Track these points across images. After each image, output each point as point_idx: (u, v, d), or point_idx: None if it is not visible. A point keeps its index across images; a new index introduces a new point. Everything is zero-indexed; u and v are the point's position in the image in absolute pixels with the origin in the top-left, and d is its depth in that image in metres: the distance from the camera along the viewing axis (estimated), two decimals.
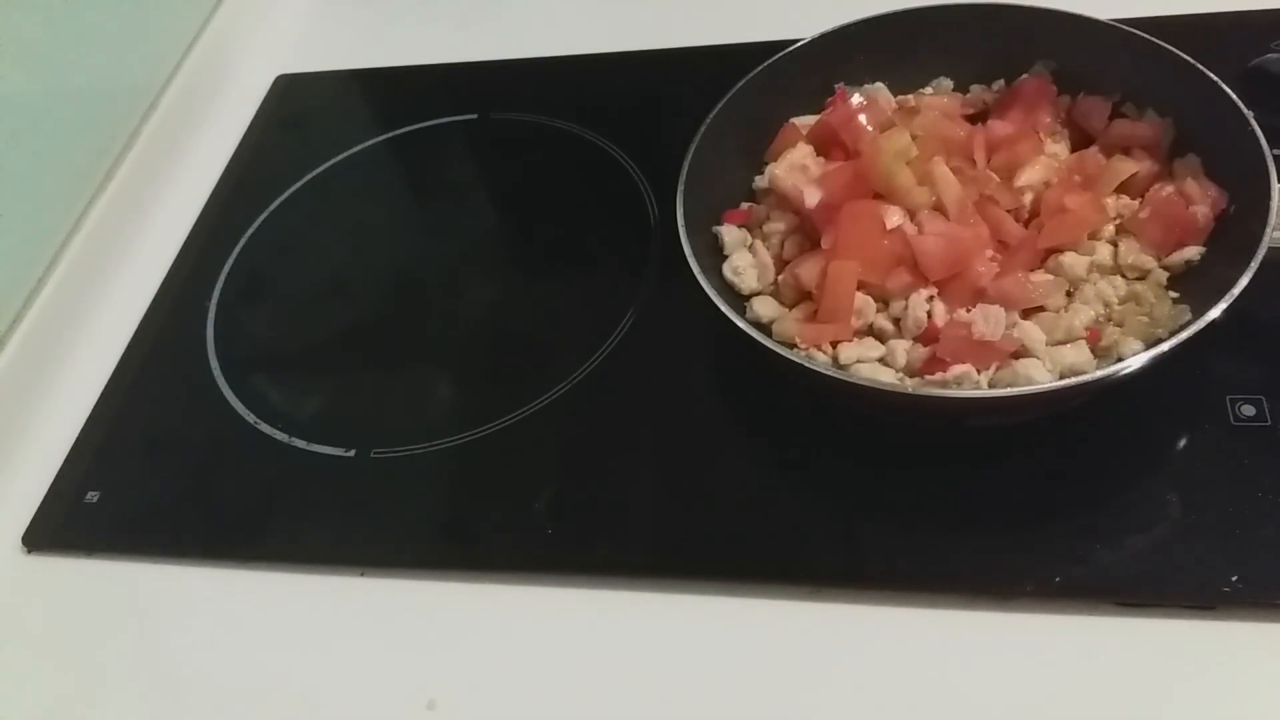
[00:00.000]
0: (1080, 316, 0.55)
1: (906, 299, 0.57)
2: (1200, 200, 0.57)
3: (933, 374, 0.54)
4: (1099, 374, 0.50)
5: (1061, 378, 0.53)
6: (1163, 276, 0.57)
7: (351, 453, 0.65)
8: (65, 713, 0.58)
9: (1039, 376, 0.53)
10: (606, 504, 0.60)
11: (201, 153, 0.88)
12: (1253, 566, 0.50)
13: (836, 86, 0.68)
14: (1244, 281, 0.50)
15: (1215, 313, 0.50)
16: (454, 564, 0.59)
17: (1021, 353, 0.55)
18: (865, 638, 0.52)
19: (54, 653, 0.60)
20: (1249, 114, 0.56)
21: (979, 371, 0.54)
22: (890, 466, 0.57)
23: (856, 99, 0.64)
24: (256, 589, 0.60)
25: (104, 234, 0.80)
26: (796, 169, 0.63)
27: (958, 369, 0.54)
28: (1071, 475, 0.55)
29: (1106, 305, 0.56)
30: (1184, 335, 0.49)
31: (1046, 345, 0.55)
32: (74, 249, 0.78)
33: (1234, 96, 0.56)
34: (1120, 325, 0.55)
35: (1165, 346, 0.49)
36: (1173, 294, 0.56)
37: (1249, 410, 0.55)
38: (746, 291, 0.61)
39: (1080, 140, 0.63)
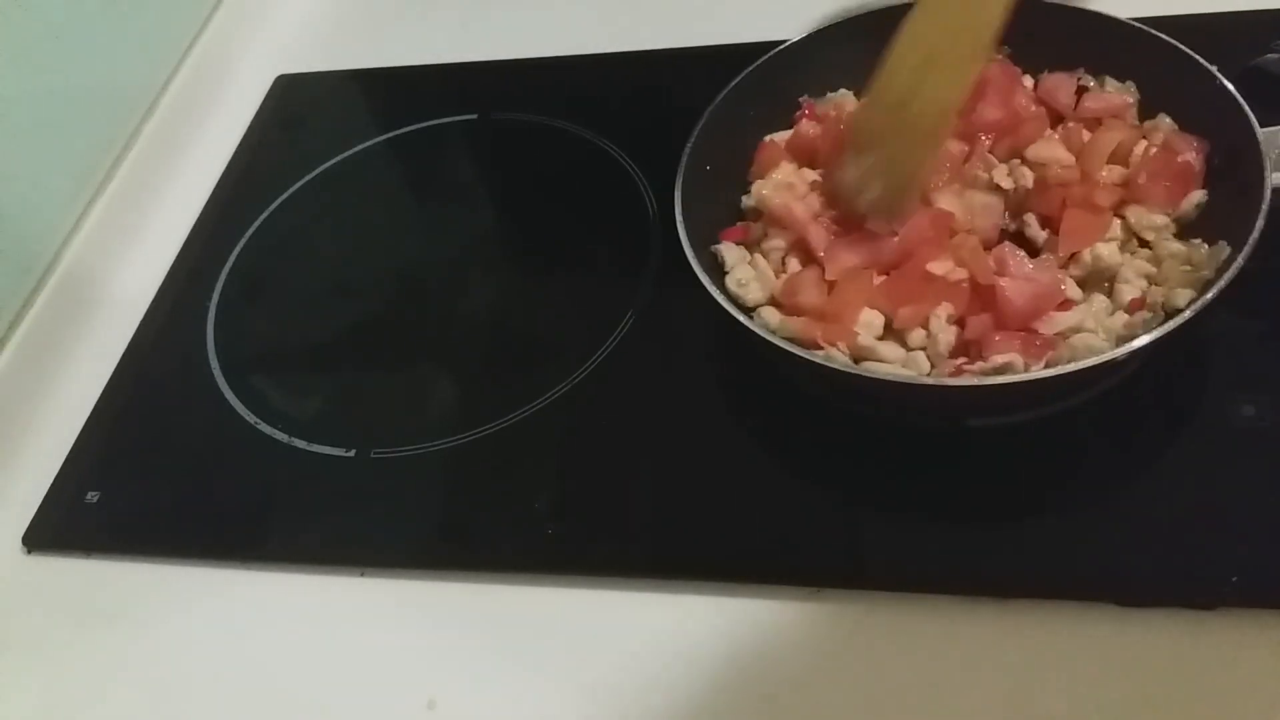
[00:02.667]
0: (1127, 295, 0.55)
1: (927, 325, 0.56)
2: (1185, 149, 0.58)
3: (972, 363, 0.53)
4: (1137, 342, 0.49)
5: (1120, 344, 0.51)
6: (1170, 234, 0.57)
7: (351, 453, 0.65)
8: (65, 713, 0.58)
9: (1098, 345, 0.52)
10: (606, 504, 0.59)
11: (201, 153, 0.88)
12: (1253, 566, 0.50)
13: (801, 100, 0.68)
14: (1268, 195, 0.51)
15: (1257, 231, 0.50)
16: (454, 564, 0.59)
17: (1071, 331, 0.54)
18: (865, 638, 0.52)
19: (54, 653, 0.60)
20: (1212, 68, 0.57)
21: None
22: (890, 466, 0.57)
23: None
24: (256, 589, 0.60)
25: (104, 234, 0.80)
26: (783, 187, 0.63)
27: (1001, 358, 0.52)
28: (1071, 475, 0.55)
29: (1147, 277, 0.56)
30: (1236, 266, 0.50)
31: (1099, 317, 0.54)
32: (74, 249, 0.78)
33: (1187, 50, 0.58)
34: (1162, 285, 0.55)
35: (1222, 283, 0.50)
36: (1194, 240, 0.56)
37: (1249, 410, 0.55)
38: (752, 303, 0.60)
39: (1051, 118, 0.63)
